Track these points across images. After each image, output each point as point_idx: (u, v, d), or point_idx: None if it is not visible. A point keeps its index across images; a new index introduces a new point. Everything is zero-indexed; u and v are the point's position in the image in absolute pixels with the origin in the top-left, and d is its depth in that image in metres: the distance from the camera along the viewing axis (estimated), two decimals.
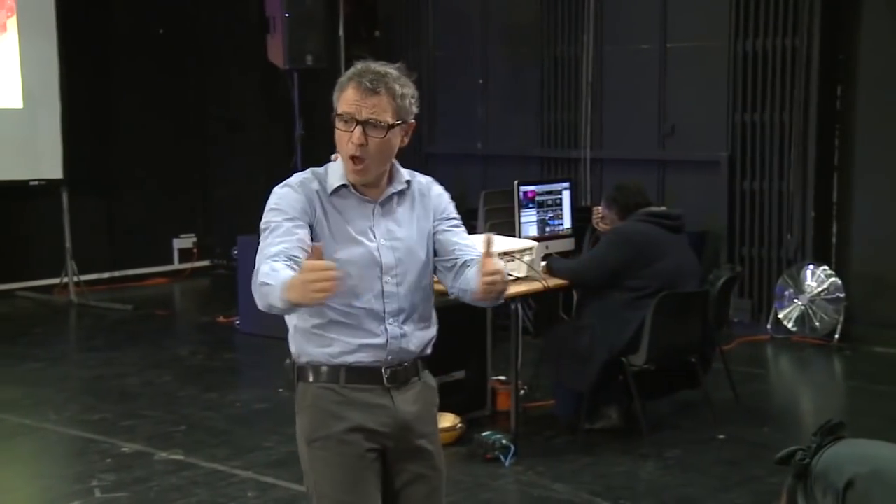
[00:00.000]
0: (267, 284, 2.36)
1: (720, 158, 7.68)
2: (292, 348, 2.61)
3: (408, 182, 2.67)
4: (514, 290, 4.94)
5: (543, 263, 5.26)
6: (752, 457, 4.94)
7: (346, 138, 2.49)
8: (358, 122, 2.47)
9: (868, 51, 7.29)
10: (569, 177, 7.60)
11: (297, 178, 2.58)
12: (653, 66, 7.91)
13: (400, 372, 2.59)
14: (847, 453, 2.23)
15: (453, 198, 2.78)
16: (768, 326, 7.45)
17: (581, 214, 6.19)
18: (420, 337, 2.62)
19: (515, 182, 5.76)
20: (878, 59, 7.25)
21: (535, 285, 5.04)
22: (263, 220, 2.52)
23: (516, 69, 8.75)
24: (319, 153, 10.20)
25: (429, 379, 2.69)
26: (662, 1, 7.88)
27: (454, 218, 2.70)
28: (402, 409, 2.59)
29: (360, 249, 2.53)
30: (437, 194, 2.71)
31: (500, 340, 5.58)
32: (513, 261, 5.00)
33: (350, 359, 2.54)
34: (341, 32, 9.76)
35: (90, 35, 9.20)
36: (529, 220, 5.74)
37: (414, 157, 9.43)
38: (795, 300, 7.30)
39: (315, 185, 2.56)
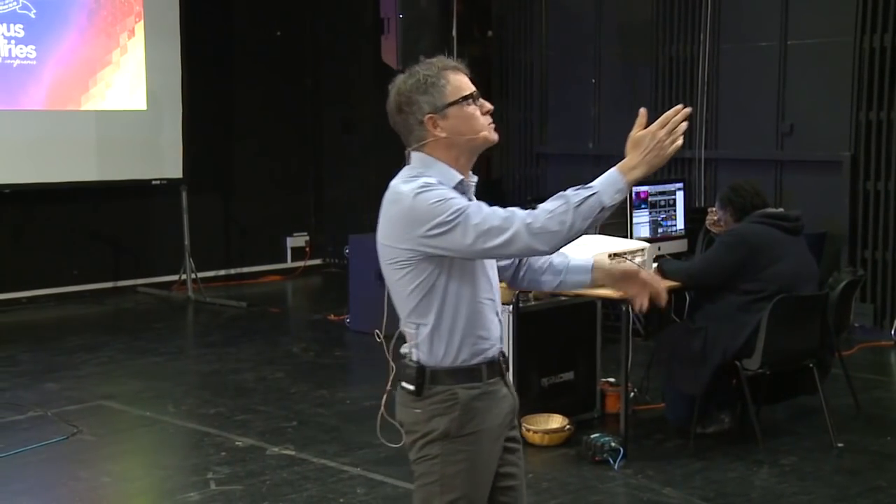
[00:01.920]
0: (583, 200, 2.41)
1: (842, 158, 7.44)
2: (425, 353, 2.58)
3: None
4: None
5: (655, 265, 5.18)
6: (873, 466, 4.77)
7: (478, 113, 2.60)
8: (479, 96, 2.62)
9: None
10: (682, 177, 7.45)
11: (427, 179, 2.54)
12: (772, 64, 7.71)
13: (504, 360, 2.69)
14: None
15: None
16: (892, 332, 7.18)
17: (694, 216, 6.07)
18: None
19: None
20: None
21: None
22: (447, 210, 2.45)
23: (629, 69, 8.63)
24: None
25: None
26: None
27: None
28: (514, 394, 2.70)
29: None
30: None
31: (610, 342, 5.53)
32: (624, 262, 4.94)
33: (489, 354, 2.62)
34: (454, 33, 9.79)
35: (211, 39, 9.47)
36: (642, 220, 5.66)
37: (525, 157, 9.41)
38: None
39: None
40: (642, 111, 2.53)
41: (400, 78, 2.65)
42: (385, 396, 2.76)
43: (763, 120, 7.75)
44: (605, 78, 8.77)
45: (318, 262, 10.37)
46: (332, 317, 8.13)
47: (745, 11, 7.94)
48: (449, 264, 2.54)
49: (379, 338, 2.76)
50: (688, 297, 5.55)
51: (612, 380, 5.53)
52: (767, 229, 5.01)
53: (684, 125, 2.48)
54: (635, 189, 5.68)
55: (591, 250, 4.87)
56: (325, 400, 5.97)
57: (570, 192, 2.45)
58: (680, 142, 2.48)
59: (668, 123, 2.47)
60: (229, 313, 8.47)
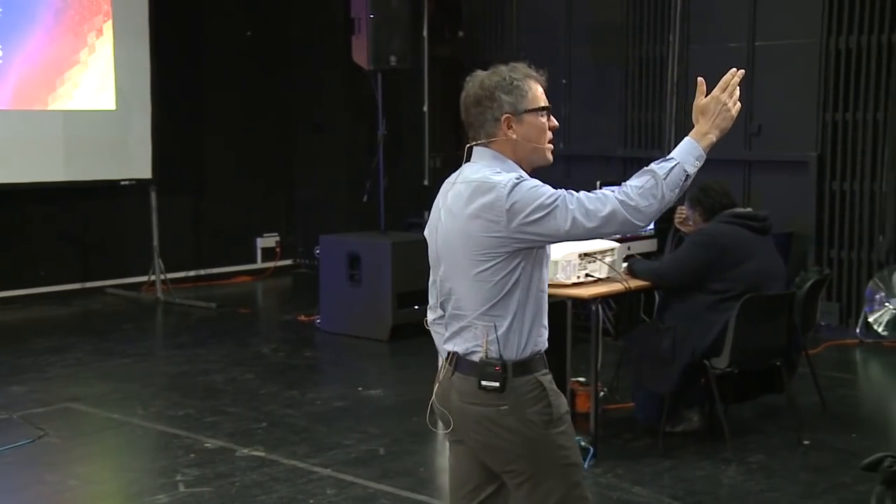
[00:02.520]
0: (669, 172, 2.57)
1: (809, 158, 7.51)
2: (504, 347, 2.62)
3: None
4: (594, 290, 4.91)
5: (625, 265, 5.20)
6: (839, 463, 4.82)
7: (545, 126, 2.72)
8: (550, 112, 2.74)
9: None
10: None
11: (518, 173, 2.64)
12: (740, 64, 7.62)
13: None
14: None
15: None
16: (857, 330, 7.26)
17: (663, 215, 6.09)
18: None
19: (598, 182, 5.72)
20: None
21: (616, 286, 4.99)
22: (544, 196, 2.57)
23: (600, 69, 8.67)
24: (402, 154, 10.25)
25: None
26: None
27: None
28: None
29: None
30: None
31: (580, 342, 5.53)
32: (594, 262, 4.96)
33: (546, 343, 2.73)
34: (425, 33, 9.78)
35: (181, 38, 9.41)
36: None
37: None
38: (887, 304, 7.10)
39: None
40: (700, 80, 2.68)
41: (483, 73, 2.74)
42: (437, 387, 2.77)
43: None
44: (576, 78, 8.80)
45: (288, 262, 10.34)
46: (302, 317, 8.11)
47: (713, 13, 7.99)
48: (532, 257, 2.62)
49: (427, 325, 2.83)
50: (657, 297, 5.58)
51: (582, 379, 5.54)
52: (736, 229, 5.04)
53: (738, 89, 2.65)
54: (605, 189, 5.69)
55: (562, 250, 4.89)
56: (295, 401, 5.95)
57: (653, 166, 2.59)
58: (739, 104, 2.65)
59: (727, 87, 2.64)
60: (199, 314, 8.42)
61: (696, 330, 4.93)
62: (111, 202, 9.15)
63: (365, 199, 7.98)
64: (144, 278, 9.07)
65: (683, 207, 5.33)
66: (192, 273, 9.61)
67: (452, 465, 2.84)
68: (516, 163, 2.70)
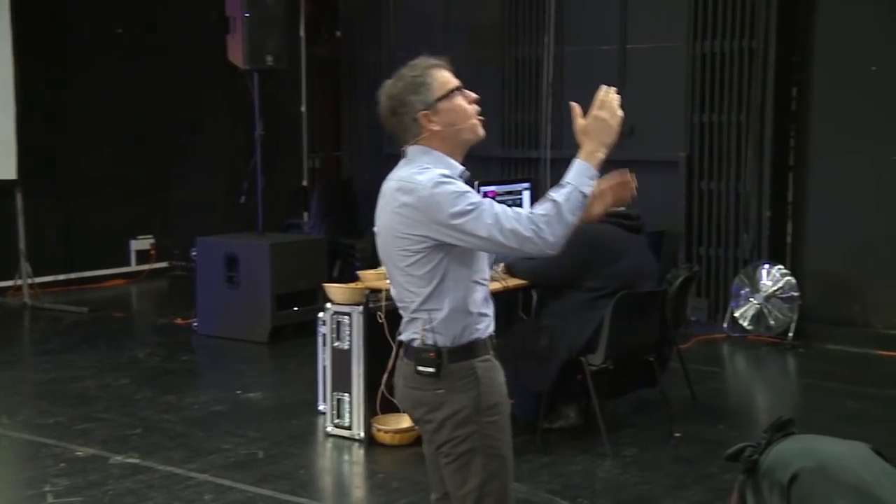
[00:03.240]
0: (567, 197, 2.64)
1: (678, 159, 7.74)
2: (441, 335, 2.72)
3: None
4: None
5: (502, 263, 5.26)
6: (707, 454, 4.98)
7: (464, 105, 2.78)
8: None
9: (822, 53, 7.39)
10: (529, 177, 7.61)
11: (442, 171, 2.68)
12: (612, 66, 7.95)
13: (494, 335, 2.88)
14: (794, 448, 2.26)
15: None
16: (724, 325, 7.52)
17: None
18: None
19: (476, 182, 5.77)
20: (833, 62, 7.35)
21: (494, 285, 5.00)
22: (465, 202, 2.62)
23: (477, 70, 8.72)
24: (280, 154, 10.11)
25: None
26: (622, 3, 7.94)
27: None
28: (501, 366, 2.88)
29: None
30: None
31: None
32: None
33: (490, 329, 2.81)
34: (302, 32, 9.71)
35: (46, 34, 9.09)
36: None
37: (375, 158, 9.42)
38: (751, 299, 7.38)
39: None
40: (573, 104, 2.77)
41: (388, 83, 2.80)
42: (386, 375, 2.87)
43: None
44: None
45: (163, 265, 10.12)
46: (178, 321, 7.94)
47: (586, 16, 8.17)
48: (458, 250, 2.68)
49: (381, 319, 2.98)
50: (534, 295, 5.67)
51: None
52: (610, 228, 5.15)
53: (617, 97, 2.74)
54: (483, 189, 5.77)
55: None
56: (172, 405, 5.83)
57: (552, 194, 2.67)
58: (620, 112, 2.74)
59: (603, 105, 2.73)
60: (70, 319, 8.16)
61: (573, 327, 5.02)
62: None
63: (242, 200, 7.86)
64: (10, 283, 8.73)
65: None
66: (62, 277, 9.30)
67: (427, 469, 2.95)
68: (449, 151, 2.77)
